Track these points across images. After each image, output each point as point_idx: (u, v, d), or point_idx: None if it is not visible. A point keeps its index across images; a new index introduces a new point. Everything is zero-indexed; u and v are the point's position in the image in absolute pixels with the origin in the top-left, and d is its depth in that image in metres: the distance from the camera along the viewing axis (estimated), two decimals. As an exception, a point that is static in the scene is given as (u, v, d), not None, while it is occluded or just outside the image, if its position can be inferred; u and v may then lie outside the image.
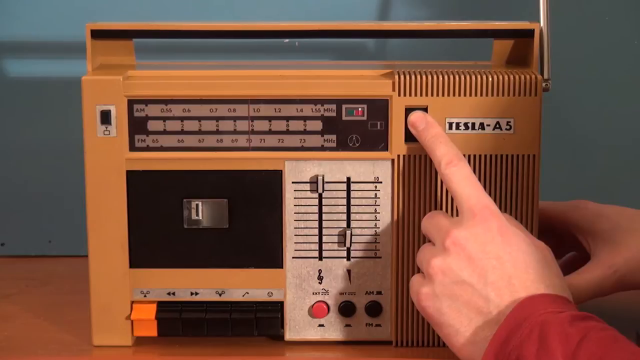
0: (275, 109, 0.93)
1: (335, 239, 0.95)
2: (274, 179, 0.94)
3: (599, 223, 0.98)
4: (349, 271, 0.95)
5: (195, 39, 0.98)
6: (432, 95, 0.92)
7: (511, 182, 0.93)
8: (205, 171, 0.93)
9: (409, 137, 0.92)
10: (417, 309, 0.88)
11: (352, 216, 0.94)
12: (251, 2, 1.24)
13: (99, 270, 0.94)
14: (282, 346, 0.96)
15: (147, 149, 0.93)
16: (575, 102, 1.25)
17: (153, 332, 0.95)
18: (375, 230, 0.94)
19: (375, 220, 0.94)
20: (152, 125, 0.93)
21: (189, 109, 0.93)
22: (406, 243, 0.94)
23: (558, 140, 1.24)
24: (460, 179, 0.88)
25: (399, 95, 0.92)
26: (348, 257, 0.95)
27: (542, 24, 0.95)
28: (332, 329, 0.96)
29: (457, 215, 0.88)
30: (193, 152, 0.93)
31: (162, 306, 0.95)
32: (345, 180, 0.94)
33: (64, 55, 1.25)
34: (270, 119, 0.93)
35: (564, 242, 1.00)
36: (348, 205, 0.94)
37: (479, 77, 0.92)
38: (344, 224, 0.94)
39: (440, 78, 0.92)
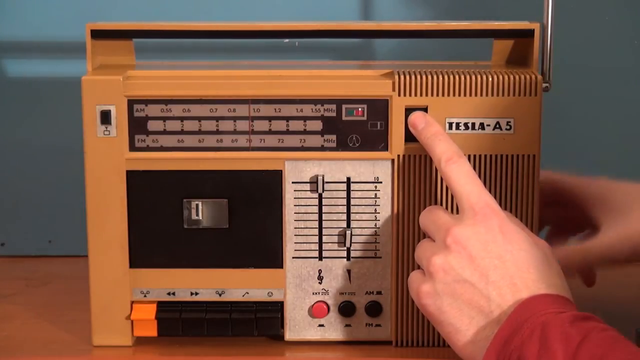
0: (275, 109, 0.93)
1: (335, 239, 0.95)
2: (274, 179, 0.94)
3: (611, 195, 0.98)
4: (349, 271, 0.95)
5: (195, 39, 0.98)
6: (432, 95, 0.92)
7: (511, 182, 0.93)
8: (205, 171, 0.93)
9: (409, 137, 0.92)
10: (417, 306, 0.88)
11: (352, 216, 0.94)
12: (251, 2, 1.24)
13: (99, 270, 0.94)
14: (282, 346, 0.96)
15: (147, 149, 0.93)
16: (575, 102, 1.25)
17: (153, 332, 0.95)
18: (375, 230, 0.94)
19: (375, 220, 0.94)
20: (152, 125, 0.93)
21: (189, 109, 0.93)
22: (406, 243, 0.94)
23: (558, 140, 1.24)
24: (460, 176, 0.88)
25: (399, 95, 0.92)
26: (348, 257, 0.95)
27: (548, 24, 0.95)
28: (332, 329, 0.96)
29: (457, 213, 0.88)
30: (193, 152, 0.93)
31: (162, 306, 0.95)
32: (345, 180, 0.94)
33: (64, 55, 1.25)
34: (270, 119, 0.93)
35: (572, 215, 0.99)
36: (348, 205, 0.94)
37: (479, 77, 0.92)
38: (344, 224, 0.94)
39: (440, 78, 0.92)
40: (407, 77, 0.92)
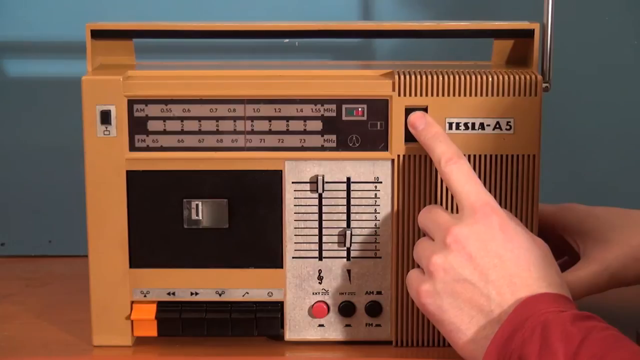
0: (275, 109, 0.93)
1: (335, 239, 0.95)
2: (274, 179, 0.94)
3: (588, 222, 0.98)
4: (349, 271, 0.95)
5: (195, 39, 0.98)
6: (432, 95, 0.92)
7: (511, 182, 0.93)
8: (205, 171, 0.93)
9: (409, 137, 0.92)
10: (417, 305, 0.88)
11: (352, 216, 0.94)
12: (251, 2, 1.24)
13: (99, 270, 0.94)
14: (282, 346, 0.96)
15: (147, 149, 0.93)
16: (575, 102, 1.25)
17: (153, 332, 0.95)
18: (375, 230, 0.94)
19: (375, 220, 0.94)
20: (152, 125, 0.93)
21: (189, 109, 0.93)
22: (406, 243, 0.94)
23: (558, 140, 1.24)
24: (460, 176, 0.88)
25: (399, 95, 0.92)
26: (348, 257, 0.95)
27: (548, 24, 0.95)
28: (332, 329, 0.96)
29: (457, 212, 0.88)
30: (193, 152, 0.93)
31: (162, 306, 0.95)
32: (345, 180, 0.94)
33: (64, 55, 1.25)
34: (270, 119, 0.93)
35: (552, 246, 1.00)
36: (348, 205, 0.94)
37: (479, 77, 0.92)
38: (344, 224, 0.94)
39: (440, 78, 0.92)
40: (407, 77, 0.92)
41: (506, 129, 0.92)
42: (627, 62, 1.26)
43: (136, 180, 0.93)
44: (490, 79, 0.92)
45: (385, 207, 0.94)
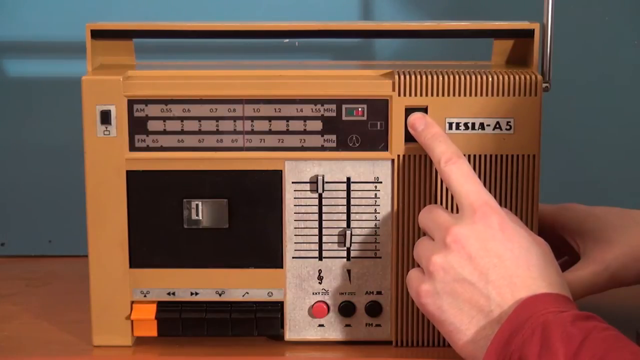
0: (275, 109, 0.93)
1: (335, 239, 0.95)
2: (274, 179, 0.94)
3: (588, 223, 0.99)
4: (349, 271, 0.95)
5: (195, 39, 0.98)
6: (432, 95, 0.92)
7: (511, 182, 0.93)
8: (205, 171, 0.93)
9: (409, 137, 0.92)
10: (417, 305, 0.88)
11: (352, 216, 0.94)
12: (251, 2, 1.24)
13: (99, 270, 0.94)
14: (282, 346, 0.96)
15: (147, 149, 0.93)
16: (575, 102, 1.25)
17: (153, 332, 0.95)
18: (375, 230, 0.94)
19: (375, 220, 0.94)
20: (152, 125, 0.93)
21: (189, 109, 0.93)
22: (406, 243, 0.94)
23: (558, 140, 1.24)
24: (460, 176, 0.88)
25: (399, 95, 0.92)
26: (348, 257, 0.95)
27: (548, 24, 0.95)
28: (332, 329, 0.96)
29: (457, 212, 0.88)
30: (193, 152, 0.93)
31: (162, 306, 0.95)
32: (345, 180, 0.94)
33: (64, 55, 1.25)
34: (270, 119, 0.93)
35: (552, 246, 1.00)
36: (348, 205, 0.94)
37: (479, 77, 0.92)
38: (344, 224, 0.94)
39: (440, 78, 0.92)
40: (407, 77, 0.92)
41: (506, 129, 0.92)
42: (628, 62, 1.26)
43: (136, 180, 0.93)
44: (490, 79, 0.92)
45: (385, 207, 0.94)
